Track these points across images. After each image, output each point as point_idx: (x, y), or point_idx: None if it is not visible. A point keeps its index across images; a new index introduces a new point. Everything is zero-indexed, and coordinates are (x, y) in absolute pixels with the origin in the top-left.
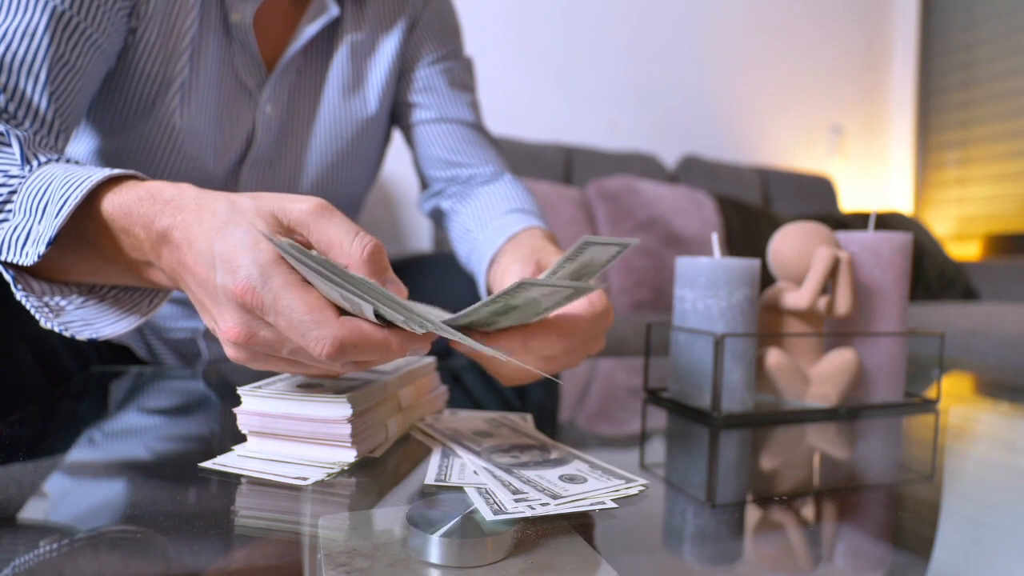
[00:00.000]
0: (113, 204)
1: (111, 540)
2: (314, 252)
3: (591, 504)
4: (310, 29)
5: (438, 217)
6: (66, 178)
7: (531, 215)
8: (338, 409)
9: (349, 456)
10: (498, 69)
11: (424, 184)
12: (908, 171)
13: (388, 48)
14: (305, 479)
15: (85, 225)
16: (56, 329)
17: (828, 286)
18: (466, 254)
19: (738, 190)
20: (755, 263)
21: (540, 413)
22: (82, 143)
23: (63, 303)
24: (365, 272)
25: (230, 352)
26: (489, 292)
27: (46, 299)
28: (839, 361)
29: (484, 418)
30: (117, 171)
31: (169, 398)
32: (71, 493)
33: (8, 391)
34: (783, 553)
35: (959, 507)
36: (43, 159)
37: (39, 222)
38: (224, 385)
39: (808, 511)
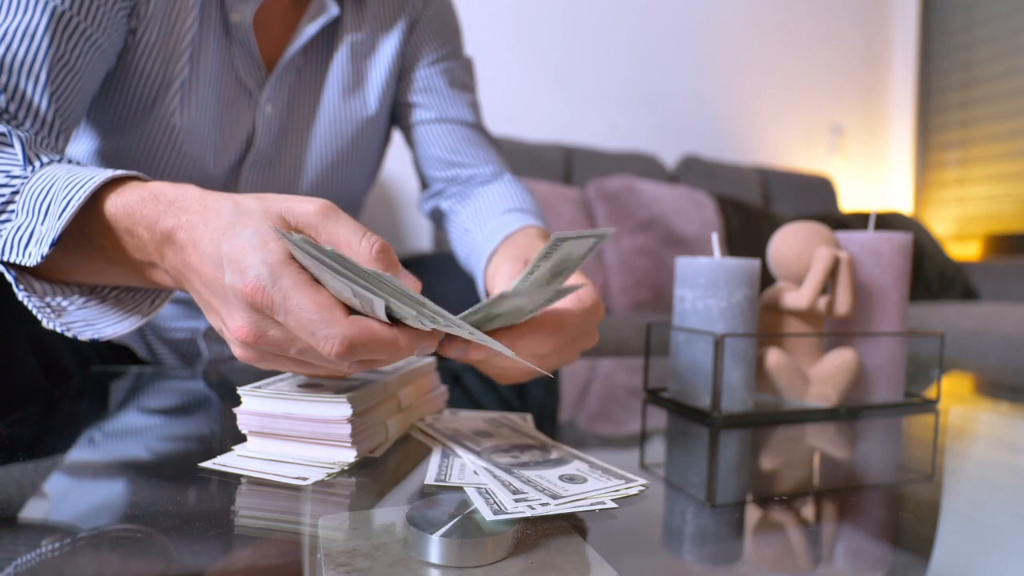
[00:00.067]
0: (116, 205)
1: (111, 540)
2: (327, 247)
3: (591, 504)
4: (310, 29)
5: (438, 218)
6: (69, 179)
7: (528, 214)
8: (338, 409)
9: (349, 456)
10: (498, 69)
11: (424, 184)
12: (908, 171)
13: (388, 48)
14: (305, 479)
15: (88, 226)
16: (58, 329)
17: (828, 286)
18: (465, 254)
19: (738, 190)
20: (755, 263)
21: (540, 413)
22: (82, 143)
23: (65, 303)
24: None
25: (238, 352)
26: (487, 292)
27: (48, 299)
28: (839, 361)
29: (484, 418)
30: (120, 172)
31: (169, 398)
32: (71, 493)
33: (8, 391)
34: (783, 553)
35: (959, 507)
36: (45, 159)
37: (42, 223)
38: (224, 385)
39: (808, 511)
